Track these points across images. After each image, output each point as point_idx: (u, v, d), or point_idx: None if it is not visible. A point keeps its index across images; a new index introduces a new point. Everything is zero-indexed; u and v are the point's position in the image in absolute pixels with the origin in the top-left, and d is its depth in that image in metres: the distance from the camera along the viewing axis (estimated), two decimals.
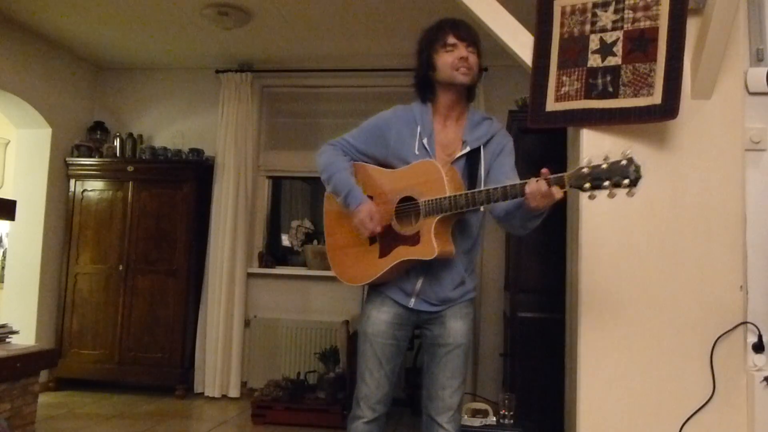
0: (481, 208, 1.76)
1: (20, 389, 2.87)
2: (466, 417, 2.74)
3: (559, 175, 1.59)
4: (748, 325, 1.98)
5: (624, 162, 1.51)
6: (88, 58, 4.93)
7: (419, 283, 1.88)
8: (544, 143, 3.24)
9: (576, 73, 2.06)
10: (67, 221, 4.68)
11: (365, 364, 1.92)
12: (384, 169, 1.94)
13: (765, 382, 1.91)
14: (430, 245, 1.76)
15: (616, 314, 2.03)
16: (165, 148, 4.73)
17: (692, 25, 1.97)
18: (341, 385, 3.92)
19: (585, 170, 1.55)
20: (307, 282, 4.66)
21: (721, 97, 2.02)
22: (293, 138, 4.91)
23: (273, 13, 3.92)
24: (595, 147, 2.08)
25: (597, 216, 2.07)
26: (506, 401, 2.76)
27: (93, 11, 4.01)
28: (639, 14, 1.98)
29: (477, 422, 2.67)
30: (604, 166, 1.53)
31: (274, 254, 4.94)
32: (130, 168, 4.63)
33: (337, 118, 4.80)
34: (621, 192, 1.52)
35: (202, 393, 4.53)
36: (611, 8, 2.03)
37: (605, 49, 2.02)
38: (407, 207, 1.84)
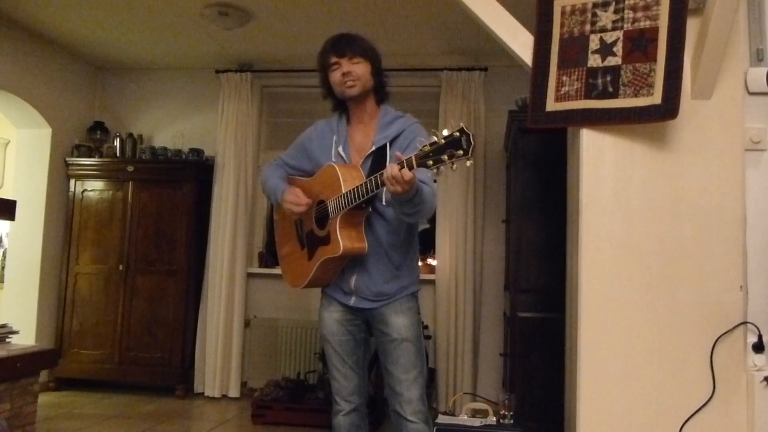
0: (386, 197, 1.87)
1: (20, 389, 2.87)
2: (466, 417, 2.74)
3: (407, 156, 1.68)
4: (748, 325, 1.98)
5: (457, 133, 1.61)
6: (88, 58, 4.93)
7: (353, 281, 2.00)
8: (544, 143, 3.25)
9: (576, 73, 2.06)
10: (67, 221, 4.68)
11: (330, 363, 2.09)
12: (306, 178, 2.13)
13: (765, 382, 1.91)
14: (337, 242, 1.89)
15: (616, 314, 2.03)
16: (165, 148, 4.73)
17: (692, 25, 1.96)
18: None
19: (427, 148, 1.65)
20: None
21: (721, 97, 2.02)
22: (293, 138, 4.84)
23: (273, 13, 3.92)
24: (595, 147, 2.08)
25: (597, 216, 2.07)
26: (506, 401, 2.76)
27: (93, 11, 4.01)
28: (639, 14, 1.98)
29: (477, 422, 2.67)
30: (442, 141, 1.62)
31: (274, 254, 4.92)
32: (130, 168, 4.63)
33: None
34: (460, 163, 1.61)
35: (202, 393, 4.53)
36: (611, 8, 2.03)
37: (605, 49, 2.02)
38: (321, 210, 2.00)
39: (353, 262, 1.98)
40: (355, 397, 2.06)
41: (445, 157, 1.61)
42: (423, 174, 1.83)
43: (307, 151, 2.15)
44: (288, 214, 2.11)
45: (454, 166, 1.62)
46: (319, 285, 2.09)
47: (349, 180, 1.90)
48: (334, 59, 2.02)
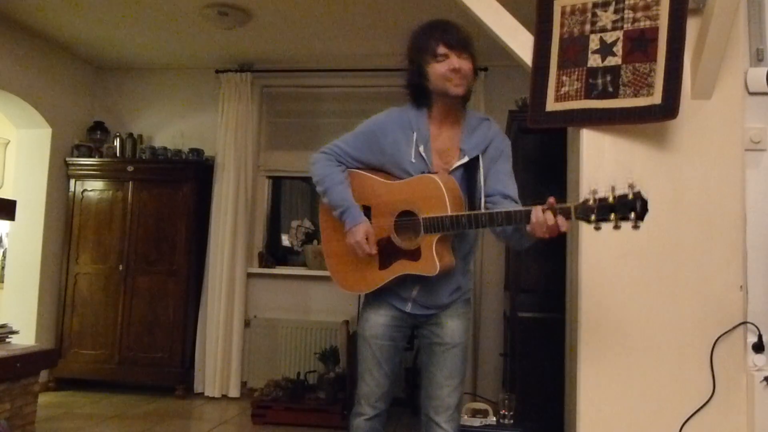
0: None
1: (20, 389, 2.87)
2: (466, 417, 2.74)
3: (566, 205, 1.57)
4: (748, 325, 1.98)
5: (631, 196, 1.49)
6: (88, 58, 4.93)
7: (415, 291, 1.89)
8: (544, 143, 3.24)
9: (576, 73, 2.06)
10: (67, 221, 4.68)
11: (365, 365, 1.95)
12: (381, 179, 1.90)
13: (765, 382, 1.91)
14: (432, 262, 1.76)
15: (616, 314, 2.03)
16: (165, 148, 4.73)
17: (692, 25, 1.97)
18: (341, 385, 3.92)
19: (591, 203, 1.54)
20: (307, 282, 4.66)
21: (721, 97, 2.02)
22: (293, 138, 4.91)
23: (273, 13, 3.92)
24: (595, 147, 2.08)
25: None
26: (506, 401, 2.76)
27: (93, 11, 4.01)
28: (639, 14, 1.98)
29: (477, 422, 2.67)
30: (611, 200, 1.51)
31: (274, 254, 4.94)
32: (130, 168, 4.63)
33: (337, 118, 4.80)
34: (626, 225, 1.51)
35: (202, 393, 4.53)
36: (611, 8, 2.03)
37: (605, 49, 2.02)
38: (407, 221, 1.83)
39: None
40: (381, 404, 1.95)
41: (612, 216, 1.50)
42: (513, 184, 1.84)
43: (380, 146, 1.89)
44: (349, 245, 1.86)
45: (620, 227, 1.51)
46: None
47: (453, 200, 1.75)
48: (444, 50, 1.79)
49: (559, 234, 1.60)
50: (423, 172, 1.84)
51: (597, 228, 1.55)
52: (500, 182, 1.87)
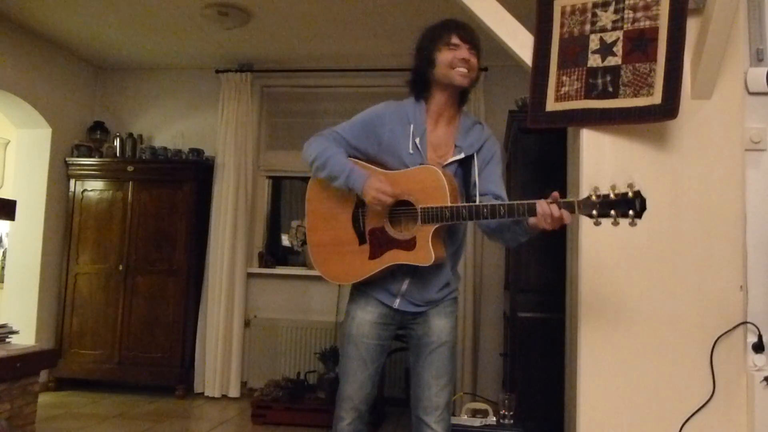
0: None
1: (20, 389, 2.87)
2: (466, 417, 2.74)
3: (570, 200, 1.63)
4: (748, 325, 1.98)
5: (631, 195, 1.57)
6: (88, 58, 4.93)
7: (405, 285, 1.89)
8: (544, 143, 3.24)
9: (576, 73, 2.06)
10: (67, 221, 4.68)
11: (349, 365, 1.92)
12: (378, 168, 1.90)
13: (765, 382, 1.91)
14: (427, 252, 1.76)
15: (616, 314, 2.03)
16: (165, 148, 4.73)
17: (692, 25, 1.96)
18: None
19: (594, 198, 1.60)
20: (307, 282, 4.66)
21: (721, 97, 2.02)
22: (293, 138, 4.91)
23: (273, 13, 3.92)
24: (595, 147, 2.08)
25: None
26: (506, 401, 2.76)
27: (93, 11, 4.01)
28: (639, 14, 1.98)
29: (477, 422, 2.67)
30: (612, 197, 1.58)
31: (274, 254, 4.94)
32: (130, 168, 4.63)
33: (337, 118, 4.73)
34: (624, 221, 1.59)
35: (202, 393, 4.53)
36: (611, 8, 2.03)
37: (605, 49, 2.02)
38: (403, 211, 1.83)
39: (409, 266, 1.84)
40: (363, 405, 1.92)
41: (613, 213, 1.58)
42: (503, 186, 1.88)
43: (378, 135, 1.90)
44: (369, 203, 1.82)
45: (618, 223, 1.58)
46: (363, 282, 1.92)
47: (452, 192, 1.76)
48: (456, 40, 1.84)
49: (561, 227, 1.66)
50: (420, 164, 1.85)
51: (597, 223, 1.61)
52: (493, 183, 1.90)
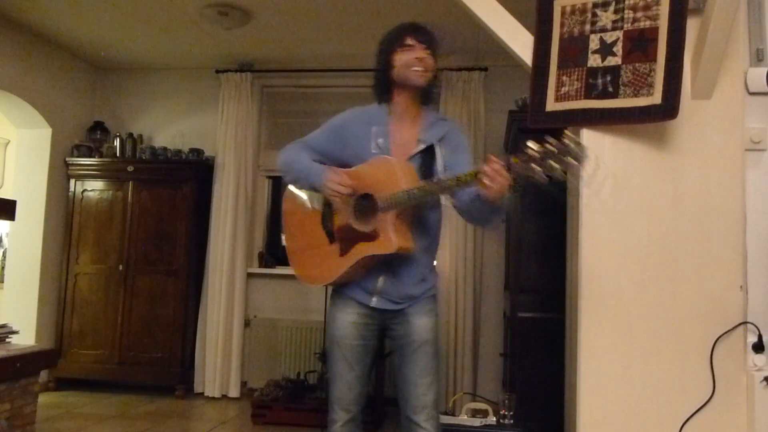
0: (443, 201, 1.82)
1: (20, 389, 2.87)
2: (466, 417, 2.74)
3: (511, 159, 1.63)
4: (748, 325, 1.98)
5: (567, 141, 1.55)
6: (88, 58, 4.93)
7: (380, 282, 1.90)
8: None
9: (576, 73, 2.06)
10: (67, 221, 4.68)
11: (336, 368, 1.95)
12: (342, 168, 1.94)
13: (765, 382, 1.91)
14: (388, 239, 1.79)
15: (616, 314, 2.03)
16: (165, 148, 4.73)
17: (692, 25, 1.96)
18: None
19: (533, 152, 1.58)
20: None
21: (721, 97, 2.02)
22: (293, 138, 4.84)
23: (273, 13, 3.92)
24: (595, 147, 2.08)
25: (597, 216, 2.07)
26: (506, 401, 2.76)
27: (93, 11, 4.01)
28: (639, 14, 1.98)
29: (477, 422, 2.67)
30: (552, 148, 1.56)
31: (274, 254, 4.94)
32: (130, 168, 4.63)
33: None
34: (571, 174, 1.57)
35: (202, 393, 4.53)
36: (611, 8, 2.03)
37: (605, 49, 2.02)
38: (365, 204, 1.86)
39: (382, 262, 1.87)
40: (354, 406, 1.95)
41: (554, 163, 1.54)
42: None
43: (343, 138, 1.97)
44: (329, 197, 1.89)
45: (560, 175, 1.55)
46: (341, 283, 1.96)
47: (406, 178, 1.79)
48: (411, 40, 1.92)
49: (509, 188, 1.63)
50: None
51: (543, 179, 1.57)
52: (462, 170, 1.88)
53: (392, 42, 1.95)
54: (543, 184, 1.58)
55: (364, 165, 1.89)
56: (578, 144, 1.54)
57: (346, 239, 1.89)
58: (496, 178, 1.61)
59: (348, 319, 1.93)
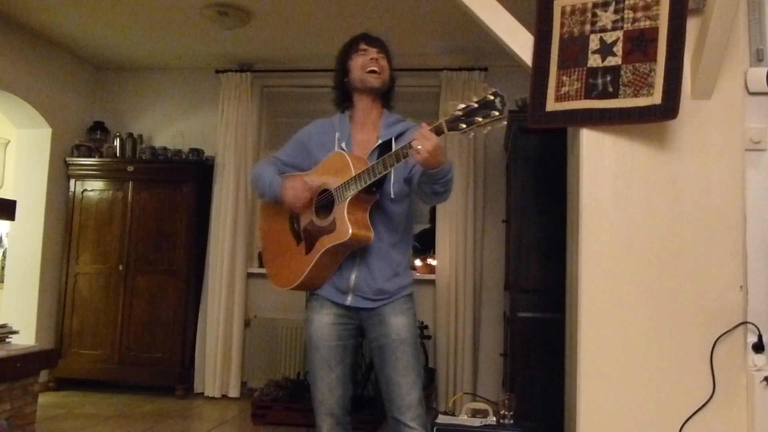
0: (404, 189, 1.89)
1: (20, 389, 2.87)
2: (466, 417, 2.74)
3: (437, 122, 1.69)
4: (748, 325, 1.98)
5: (490, 96, 1.63)
6: (88, 58, 4.93)
7: (353, 278, 1.93)
8: (544, 143, 3.25)
9: (576, 73, 2.06)
10: (67, 221, 4.68)
11: (315, 370, 1.97)
12: (302, 172, 2.04)
13: (765, 382, 1.91)
14: (344, 227, 1.83)
15: (616, 314, 2.03)
16: (165, 148, 4.73)
17: (692, 25, 1.96)
18: None
19: (458, 112, 1.65)
20: None
21: (721, 97, 2.02)
22: None
23: (273, 13, 3.92)
24: (595, 147, 2.08)
25: (597, 216, 2.07)
26: (506, 401, 2.76)
27: (93, 11, 4.01)
28: (639, 14, 1.98)
29: (477, 422, 2.67)
30: (475, 104, 1.63)
31: None
32: (130, 168, 4.63)
33: None
34: (494, 126, 1.64)
35: (202, 393, 4.53)
36: (611, 8, 2.03)
37: (605, 49, 2.02)
38: (324, 199, 1.93)
39: (353, 258, 1.91)
40: (339, 409, 1.96)
41: (480, 118, 1.62)
42: None
43: (307, 149, 2.07)
44: (289, 206, 1.98)
45: (488, 128, 1.64)
46: (313, 284, 1.99)
47: (358, 165, 1.85)
48: (363, 45, 2.02)
49: (436, 146, 1.67)
50: None
51: (469, 132, 1.66)
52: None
53: (347, 50, 2.06)
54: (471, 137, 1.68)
55: (321, 163, 1.98)
56: (496, 95, 1.62)
57: (311, 237, 1.95)
58: (424, 141, 1.66)
59: (324, 321, 1.96)
